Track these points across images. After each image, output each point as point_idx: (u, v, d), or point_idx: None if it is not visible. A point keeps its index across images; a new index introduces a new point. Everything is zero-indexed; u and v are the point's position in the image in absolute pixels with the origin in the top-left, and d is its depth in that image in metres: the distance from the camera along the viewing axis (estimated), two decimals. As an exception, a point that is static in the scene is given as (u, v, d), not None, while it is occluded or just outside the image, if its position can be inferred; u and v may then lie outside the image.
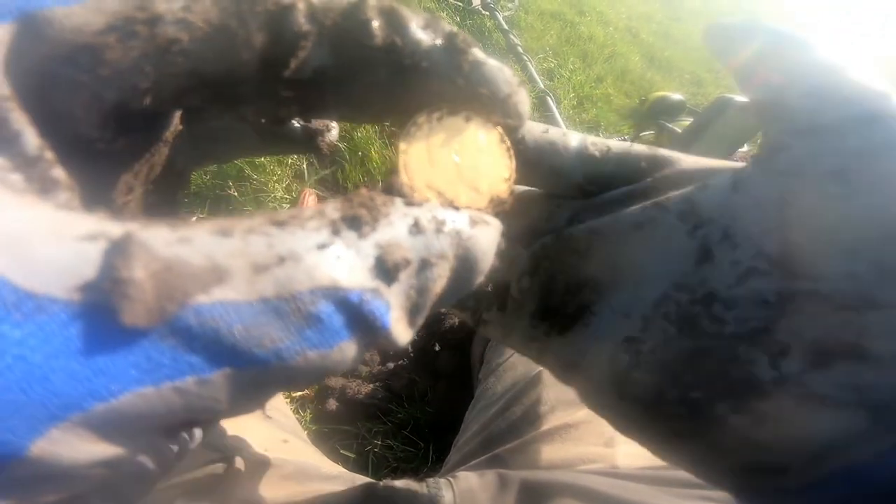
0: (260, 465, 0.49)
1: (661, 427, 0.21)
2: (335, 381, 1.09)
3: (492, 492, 0.45)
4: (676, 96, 2.45)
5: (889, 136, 0.17)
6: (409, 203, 0.13)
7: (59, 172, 0.13)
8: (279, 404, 0.76)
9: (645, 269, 0.22)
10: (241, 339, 0.10)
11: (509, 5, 3.03)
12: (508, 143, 0.19)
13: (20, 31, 0.12)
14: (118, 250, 0.10)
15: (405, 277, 0.12)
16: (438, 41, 0.16)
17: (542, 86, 2.31)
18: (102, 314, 0.09)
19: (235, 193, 1.26)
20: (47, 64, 0.12)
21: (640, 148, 0.24)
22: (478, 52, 0.17)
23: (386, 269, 0.12)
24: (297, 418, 1.03)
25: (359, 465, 1.01)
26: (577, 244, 0.23)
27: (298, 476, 0.51)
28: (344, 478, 0.55)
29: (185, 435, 0.24)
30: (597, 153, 0.24)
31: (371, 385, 1.10)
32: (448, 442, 0.84)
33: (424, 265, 0.13)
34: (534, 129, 0.23)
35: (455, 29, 0.17)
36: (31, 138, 0.12)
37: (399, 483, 0.47)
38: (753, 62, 0.21)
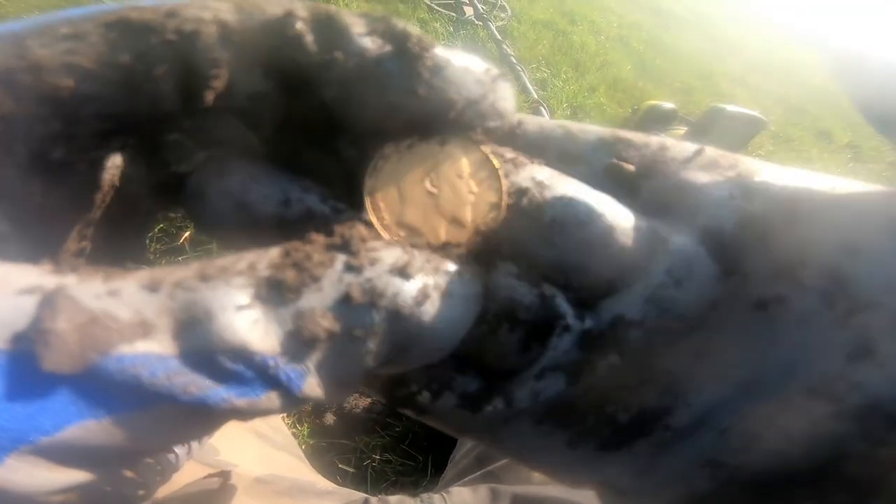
0: (255, 481, 0.50)
1: None
2: (332, 395, 1.09)
3: (485, 506, 0.45)
4: (668, 105, 2.47)
5: None
6: (350, 266, 0.12)
7: (1, 227, 0.13)
8: (274, 420, 0.76)
9: (757, 365, 0.15)
10: (164, 386, 0.11)
11: (502, 15, 3.06)
12: (497, 163, 0.16)
13: None
14: (46, 303, 0.10)
15: (324, 348, 0.12)
16: (387, 47, 0.14)
17: (535, 96, 2.33)
18: (30, 361, 0.10)
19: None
20: None
21: (690, 145, 0.18)
22: (438, 53, 0.14)
23: (301, 340, 0.12)
24: (294, 433, 1.03)
25: (357, 479, 1.00)
26: (680, 327, 0.15)
27: (293, 492, 0.52)
28: (339, 493, 0.56)
29: (169, 456, 0.24)
30: (630, 136, 0.17)
31: (369, 399, 1.10)
32: (446, 455, 0.84)
33: (350, 338, 0.12)
34: (537, 118, 0.18)
35: (407, 27, 0.14)
36: None
37: (393, 498, 0.48)
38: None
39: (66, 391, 0.10)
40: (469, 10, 2.88)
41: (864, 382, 0.14)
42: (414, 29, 0.14)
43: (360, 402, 1.08)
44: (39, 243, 0.14)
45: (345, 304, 0.12)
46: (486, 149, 0.16)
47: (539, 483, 0.50)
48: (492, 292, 0.15)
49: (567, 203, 0.15)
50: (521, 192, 0.16)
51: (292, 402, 0.12)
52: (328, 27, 0.14)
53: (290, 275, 0.12)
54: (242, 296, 0.11)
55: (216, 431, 0.13)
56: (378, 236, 0.14)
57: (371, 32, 0.14)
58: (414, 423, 1.08)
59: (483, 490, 0.48)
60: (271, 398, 0.12)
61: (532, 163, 0.16)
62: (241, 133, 0.16)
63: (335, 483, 0.71)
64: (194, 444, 0.28)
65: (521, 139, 0.17)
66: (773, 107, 3.60)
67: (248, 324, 0.11)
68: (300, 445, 1.00)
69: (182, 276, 0.11)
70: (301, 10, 0.14)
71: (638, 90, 3.08)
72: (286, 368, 0.12)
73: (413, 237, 0.15)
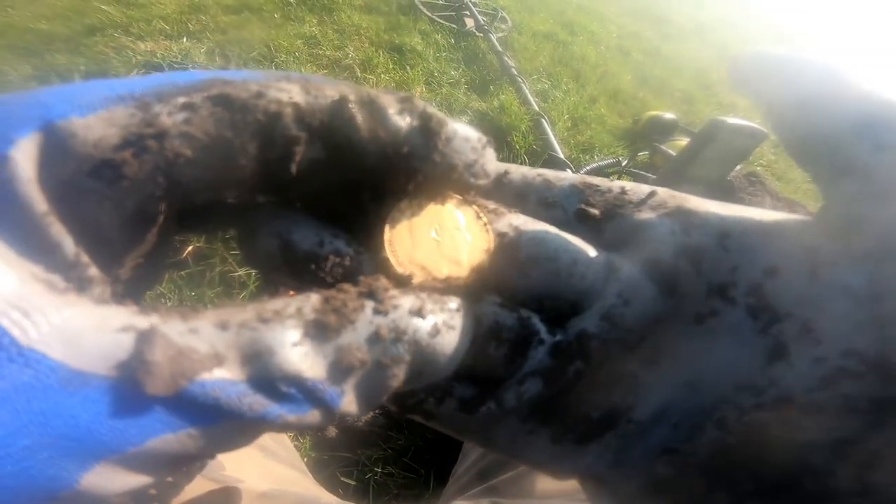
0: (260, 496, 0.50)
1: None
2: (334, 407, 1.09)
3: (487, 522, 0.46)
4: (669, 115, 2.48)
5: None
6: (377, 311, 0.15)
7: (93, 271, 0.15)
8: (277, 434, 0.76)
9: (700, 370, 0.18)
10: (235, 406, 0.13)
11: (502, 27, 3.09)
12: (485, 219, 0.20)
13: (46, 144, 0.14)
14: (144, 339, 0.13)
15: (358, 374, 0.15)
16: (415, 123, 0.17)
17: (536, 108, 2.34)
18: (133, 386, 0.12)
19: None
20: (76, 178, 0.15)
21: (645, 188, 0.21)
22: (448, 129, 0.18)
23: (340, 369, 0.14)
24: (297, 445, 1.03)
25: (359, 493, 1.00)
26: (632, 338, 0.19)
27: None
28: (342, 509, 0.56)
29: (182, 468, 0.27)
30: (597, 182, 0.21)
31: (371, 412, 1.10)
32: (448, 468, 0.85)
33: (379, 366, 0.15)
34: (521, 168, 0.22)
35: (427, 107, 0.18)
36: (69, 246, 0.15)
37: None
38: (796, 106, 0.17)
39: (158, 411, 0.13)
40: (470, 22, 2.90)
41: (779, 378, 0.17)
42: (432, 108, 0.18)
43: (362, 416, 1.09)
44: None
45: (375, 340, 0.15)
46: (476, 208, 0.20)
47: (540, 497, 0.50)
48: (481, 318, 0.18)
49: (539, 242, 0.19)
50: (501, 235, 0.20)
51: (331, 417, 0.15)
52: (373, 108, 0.17)
53: (331, 318, 0.15)
54: (295, 334, 0.14)
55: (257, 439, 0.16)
56: (396, 284, 0.17)
57: (402, 111, 0.17)
58: (416, 437, 1.08)
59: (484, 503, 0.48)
60: (315, 414, 0.14)
61: (510, 212, 0.21)
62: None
63: (338, 496, 0.71)
64: (196, 469, 0.29)
65: (506, 187, 0.22)
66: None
67: (299, 356, 0.14)
68: (303, 458, 1.01)
69: (245, 317, 0.14)
70: (351, 94, 0.17)
71: (638, 101, 3.09)
72: (329, 390, 0.14)
73: (421, 272, 0.19)
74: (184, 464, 0.15)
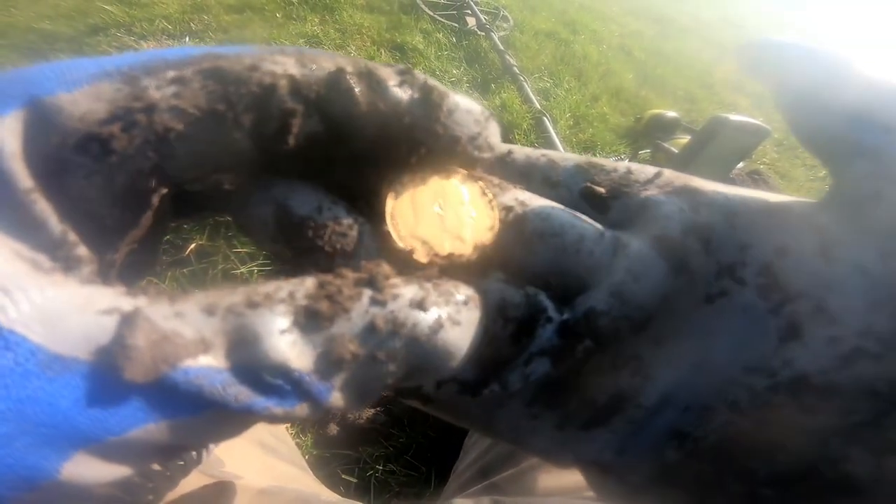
0: (259, 493, 0.50)
1: None
2: (336, 406, 1.09)
3: (488, 520, 0.45)
4: (671, 114, 2.47)
5: None
6: (375, 301, 0.14)
7: (81, 251, 0.15)
8: (278, 431, 0.76)
9: (710, 351, 0.18)
10: (219, 396, 0.13)
11: (504, 25, 3.08)
12: (490, 195, 0.19)
13: (32, 119, 0.14)
14: (126, 322, 0.12)
15: (349, 368, 0.14)
16: (416, 95, 0.17)
17: (538, 106, 2.34)
18: (112, 372, 0.12)
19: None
20: (61, 152, 0.14)
21: (651, 168, 0.21)
22: (450, 100, 0.17)
23: (330, 361, 0.13)
24: (298, 443, 1.03)
25: (360, 491, 1.00)
26: (641, 316, 0.18)
27: (298, 503, 0.52)
28: (343, 506, 0.55)
29: (193, 453, 0.26)
30: (602, 162, 0.21)
31: (372, 409, 1.10)
32: (450, 466, 0.84)
33: (373, 360, 0.14)
34: (524, 149, 0.22)
35: (427, 79, 0.17)
36: (54, 224, 0.14)
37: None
38: (810, 90, 0.17)
39: (138, 398, 0.12)
40: (471, 21, 2.90)
41: (793, 359, 0.17)
42: (433, 80, 0.17)
43: (363, 413, 1.08)
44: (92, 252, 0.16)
45: (370, 332, 0.14)
46: (482, 184, 0.19)
47: (542, 494, 0.50)
48: (486, 295, 0.18)
49: (545, 217, 0.19)
50: (507, 209, 0.19)
51: (320, 412, 0.14)
52: (371, 80, 0.16)
53: (324, 305, 0.14)
54: (284, 321, 0.13)
55: (245, 432, 0.15)
56: (398, 262, 0.17)
57: (402, 84, 0.17)
58: (417, 435, 1.08)
59: (486, 502, 0.48)
60: (303, 408, 0.14)
61: (515, 188, 0.20)
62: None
63: (339, 494, 0.71)
64: (203, 453, 0.29)
65: (510, 166, 0.21)
66: (775, 114, 3.58)
67: (287, 345, 0.13)
68: (304, 456, 1.00)
69: (233, 301, 0.13)
70: (348, 66, 0.16)
71: (640, 99, 3.08)
72: (317, 384, 0.13)
73: (423, 247, 0.18)
74: (170, 454, 0.15)
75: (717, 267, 0.18)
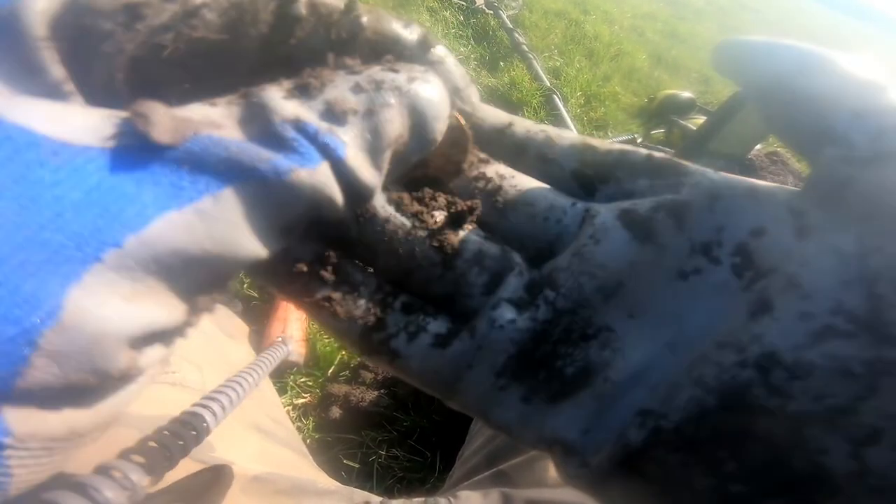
0: (252, 479, 0.48)
1: None
2: (339, 388, 1.06)
3: (496, 512, 0.42)
4: (686, 94, 2.41)
5: None
6: (352, 71, 0.16)
7: (77, 99, 0.15)
8: (278, 415, 0.74)
9: (680, 326, 0.18)
10: (243, 156, 0.13)
11: (513, 4, 3.01)
12: (465, 123, 0.21)
13: None
14: (138, 106, 0.12)
15: (354, 121, 0.15)
16: (415, 37, 0.19)
17: (548, 83, 2.29)
18: (131, 146, 0.12)
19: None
20: (87, 16, 0.14)
21: (643, 151, 0.21)
22: (440, 50, 0.19)
23: (334, 114, 0.15)
24: (300, 426, 1.01)
25: (363, 475, 0.98)
26: (604, 276, 0.19)
27: (293, 491, 0.50)
28: (341, 493, 0.53)
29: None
30: (596, 144, 0.22)
31: (376, 392, 1.08)
32: (455, 451, 0.82)
33: (370, 112, 0.15)
34: (525, 122, 0.23)
35: (427, 31, 0.19)
36: (57, 71, 0.14)
37: (397, 501, 0.45)
38: (777, 83, 0.18)
39: (158, 174, 0.12)
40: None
41: (762, 334, 0.16)
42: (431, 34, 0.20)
43: (366, 396, 1.06)
44: None
45: (357, 90, 0.16)
46: (456, 114, 0.21)
47: (552, 486, 0.47)
48: (466, 244, 0.20)
49: (520, 189, 0.21)
50: (486, 180, 0.21)
51: (343, 176, 0.15)
52: (380, 15, 0.19)
53: (311, 81, 0.15)
54: (281, 93, 0.15)
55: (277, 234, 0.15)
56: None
57: (406, 26, 0.19)
58: (422, 418, 1.06)
59: (494, 494, 0.45)
60: (326, 170, 0.14)
61: (499, 163, 0.22)
62: None
63: (339, 479, 0.68)
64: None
65: (508, 138, 0.22)
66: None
67: (293, 105, 0.14)
68: (305, 440, 0.98)
69: (229, 98, 0.14)
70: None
71: (654, 80, 3.02)
72: (326, 136, 0.14)
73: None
74: (203, 282, 0.14)
75: (689, 244, 0.19)
